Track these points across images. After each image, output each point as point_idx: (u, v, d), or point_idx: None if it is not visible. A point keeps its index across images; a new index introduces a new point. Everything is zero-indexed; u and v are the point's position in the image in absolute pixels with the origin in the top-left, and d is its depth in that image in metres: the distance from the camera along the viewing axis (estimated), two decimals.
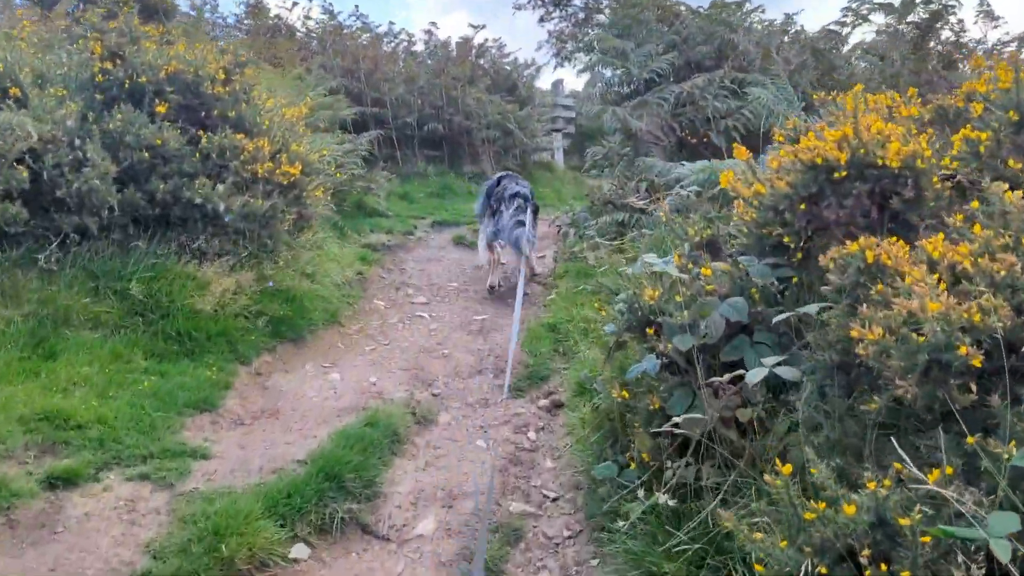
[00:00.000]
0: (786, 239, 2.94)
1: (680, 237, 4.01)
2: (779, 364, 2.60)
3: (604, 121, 6.92)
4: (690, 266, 3.16)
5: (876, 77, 6.92)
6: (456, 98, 13.24)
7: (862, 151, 2.69)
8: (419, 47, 15.76)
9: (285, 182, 5.62)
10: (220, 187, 5.21)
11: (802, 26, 7.03)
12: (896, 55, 7.10)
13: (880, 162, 2.66)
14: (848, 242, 2.42)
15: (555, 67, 23.79)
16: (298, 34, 13.83)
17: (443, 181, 12.39)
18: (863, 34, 9.39)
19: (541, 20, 24.45)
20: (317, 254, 6.26)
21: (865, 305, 2.21)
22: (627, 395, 3.31)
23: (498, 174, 7.61)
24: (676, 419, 2.78)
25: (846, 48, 7.64)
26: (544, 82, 20.67)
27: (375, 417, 4.19)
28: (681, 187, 5.35)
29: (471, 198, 12.18)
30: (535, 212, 7.19)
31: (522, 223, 6.77)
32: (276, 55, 12.36)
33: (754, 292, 2.96)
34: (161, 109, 5.31)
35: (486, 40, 15.26)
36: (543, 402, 4.83)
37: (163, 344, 4.74)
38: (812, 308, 2.55)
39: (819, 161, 2.79)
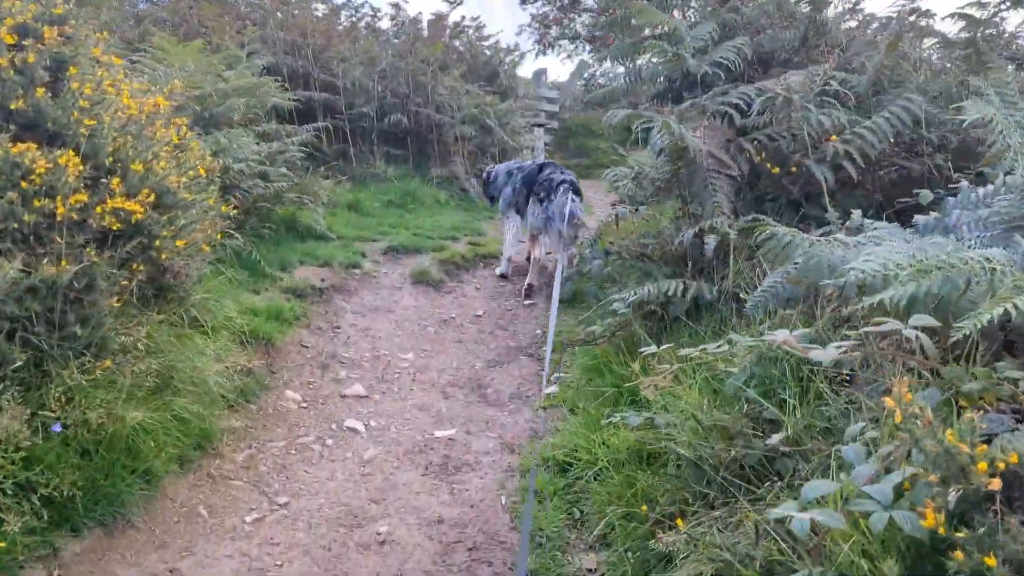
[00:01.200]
0: None
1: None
2: None
3: (636, 132, 4.58)
4: None
5: None
6: (425, 85, 10.78)
7: None
8: (385, 23, 13.29)
9: (117, 227, 3.21)
10: None
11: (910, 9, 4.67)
12: None
13: None
14: None
15: (537, 55, 21.32)
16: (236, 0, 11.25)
17: (405, 186, 9.95)
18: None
19: (523, 2, 22.00)
20: (182, 333, 3.81)
21: None
22: None
23: (539, 161, 7.29)
24: None
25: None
26: (525, 70, 18.19)
27: None
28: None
29: (440, 209, 9.77)
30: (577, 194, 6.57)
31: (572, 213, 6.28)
32: (203, 25, 9.79)
33: None
34: None
35: (463, 18, 12.84)
36: None
37: None
38: None
39: None
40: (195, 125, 5.56)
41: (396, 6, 12.86)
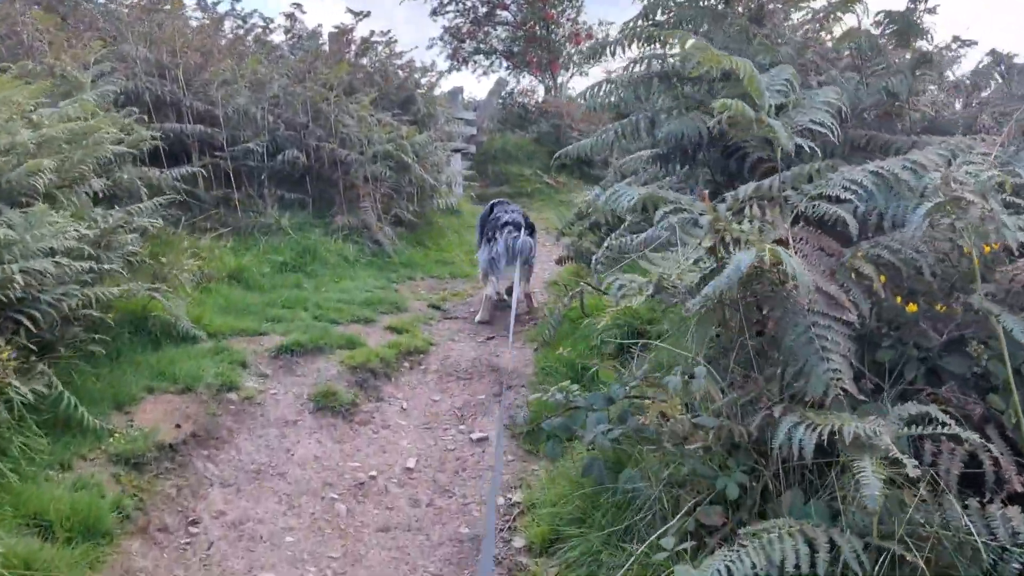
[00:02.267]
0: None
1: None
2: None
3: (634, 208, 2.90)
4: None
5: None
6: (327, 114, 8.80)
7: None
8: (279, 37, 11.20)
9: None
10: None
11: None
12: None
13: None
14: None
15: (450, 70, 19.49)
16: (87, 6, 8.95)
17: (304, 241, 7.95)
18: None
19: (434, 13, 20.12)
20: None
21: None
22: None
23: (491, 202, 7.53)
24: None
25: None
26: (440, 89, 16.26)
27: None
28: None
29: (348, 270, 7.82)
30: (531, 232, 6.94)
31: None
32: (37, 39, 7.52)
33: None
34: None
35: (372, 33, 10.84)
36: None
37: None
38: None
39: None
40: None
41: (291, 16, 10.78)
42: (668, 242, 3.86)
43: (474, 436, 4.62)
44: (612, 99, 3.88)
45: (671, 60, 3.82)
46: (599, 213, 3.82)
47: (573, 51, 19.10)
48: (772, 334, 2.64)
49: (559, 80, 19.53)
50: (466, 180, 12.36)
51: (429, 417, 4.88)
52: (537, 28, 18.71)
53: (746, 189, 2.93)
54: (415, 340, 5.89)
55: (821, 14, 4.19)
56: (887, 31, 3.55)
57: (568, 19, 19.13)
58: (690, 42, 2.75)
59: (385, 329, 6.15)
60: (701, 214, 3.27)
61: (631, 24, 4.02)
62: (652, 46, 3.97)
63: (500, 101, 17.82)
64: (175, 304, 5.12)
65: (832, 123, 2.83)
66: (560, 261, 8.21)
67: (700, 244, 3.24)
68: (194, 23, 9.89)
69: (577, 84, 19.98)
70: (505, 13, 19.41)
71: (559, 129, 17.04)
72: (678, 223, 3.27)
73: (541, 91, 19.39)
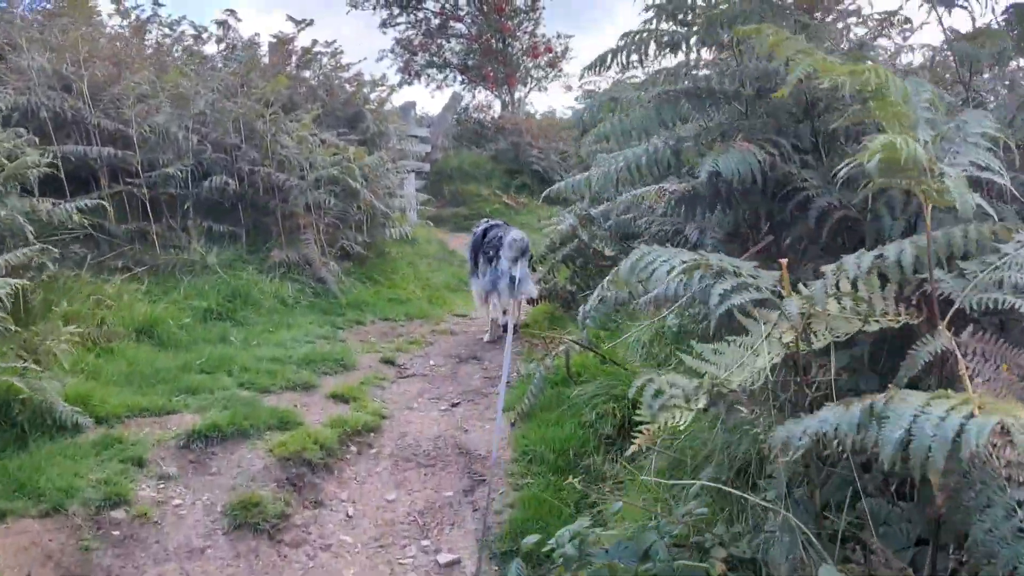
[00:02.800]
0: None
1: None
2: None
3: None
4: None
5: None
6: (263, 134, 7.67)
7: None
8: (212, 48, 9.99)
9: None
10: None
11: None
12: None
13: None
14: None
15: (402, 84, 18.39)
16: None
17: (234, 281, 6.78)
18: None
19: (384, 25, 19.00)
20: None
21: None
22: None
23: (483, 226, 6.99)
24: None
25: None
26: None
27: None
28: None
29: (286, 315, 6.67)
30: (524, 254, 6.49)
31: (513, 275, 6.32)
32: None
33: None
34: None
35: (314, 43, 9.70)
36: None
37: None
38: None
39: None
40: None
41: (224, 24, 9.59)
42: (693, 301, 2.87)
43: (442, 558, 3.52)
44: (623, 126, 2.85)
45: (704, 72, 2.82)
46: (619, 285, 2.77)
47: (531, 64, 18.18)
48: (937, 512, 1.62)
49: (517, 95, 18.57)
50: (420, 204, 11.24)
51: (382, 527, 3.77)
52: (493, 41, 17.73)
53: (858, 262, 1.92)
54: (364, 413, 4.78)
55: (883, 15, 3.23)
56: (1014, 30, 2.59)
57: (525, 31, 18.20)
58: (789, 42, 1.72)
59: (328, 397, 5.02)
60: (778, 294, 2.27)
61: (646, 26, 3.00)
62: (675, 54, 2.97)
63: (455, 117, 16.78)
64: (50, 384, 3.93)
65: (1000, 167, 1.84)
66: (531, 301, 7.17)
67: (777, 337, 2.25)
68: (110, 29, 8.66)
69: (536, 99, 19.11)
70: (459, 25, 18.40)
71: (518, 146, 16.07)
72: (741, 303, 2.26)
73: (498, 106, 18.44)
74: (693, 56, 2.91)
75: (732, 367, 2.33)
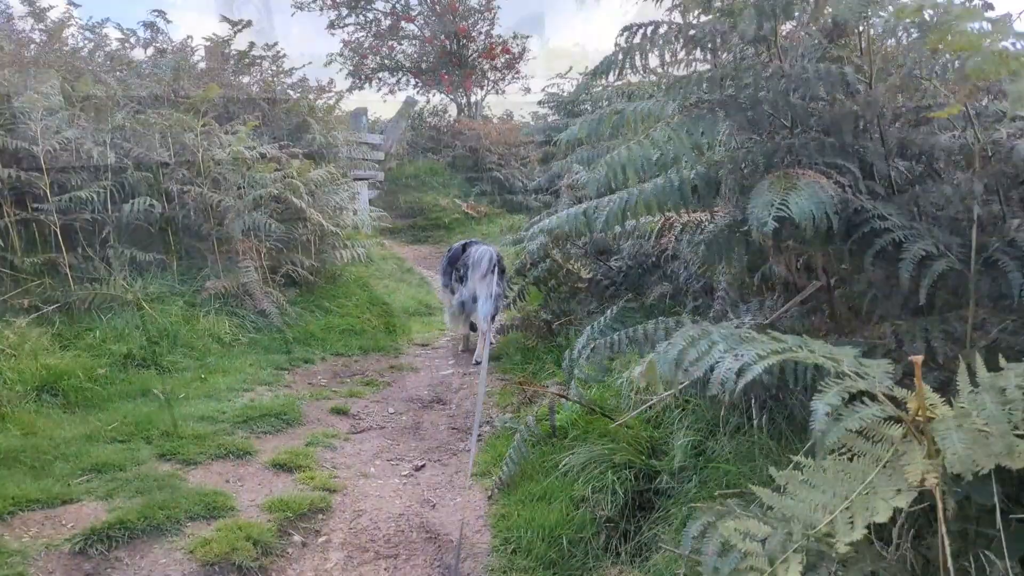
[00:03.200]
0: None
1: None
2: None
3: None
4: None
5: None
6: (195, 149, 6.78)
7: None
8: (140, 53, 9.03)
9: None
10: None
11: None
12: None
13: None
14: None
15: (352, 89, 17.47)
16: None
17: (163, 320, 5.90)
18: None
19: (331, 26, 18.05)
20: None
21: None
22: None
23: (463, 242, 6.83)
24: None
25: None
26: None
27: None
28: None
29: (223, 357, 5.80)
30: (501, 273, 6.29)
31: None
32: None
33: None
34: None
35: (251, 46, 8.81)
36: None
37: None
38: None
39: None
40: None
41: (152, 26, 8.63)
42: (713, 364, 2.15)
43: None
44: (644, 152, 2.12)
45: (747, 80, 2.09)
46: (650, 374, 2.03)
47: (488, 66, 17.42)
48: None
49: (473, 98, 17.80)
50: (374, 218, 10.41)
51: None
52: (448, 43, 16.93)
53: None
54: (310, 488, 3.97)
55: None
56: None
57: (481, 32, 17.43)
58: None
59: (267, 466, 4.20)
60: (901, 405, 1.57)
61: (665, 23, 2.28)
62: (704, 54, 2.24)
63: (409, 122, 15.92)
64: None
65: None
66: (502, 330, 6.43)
67: (903, 463, 1.55)
68: (25, 35, 7.70)
69: (493, 102, 18.30)
70: (411, 26, 17.55)
71: (476, 152, 15.32)
72: (859, 419, 1.55)
73: (454, 110, 17.62)
74: (727, 57, 2.17)
75: (835, 508, 1.60)
